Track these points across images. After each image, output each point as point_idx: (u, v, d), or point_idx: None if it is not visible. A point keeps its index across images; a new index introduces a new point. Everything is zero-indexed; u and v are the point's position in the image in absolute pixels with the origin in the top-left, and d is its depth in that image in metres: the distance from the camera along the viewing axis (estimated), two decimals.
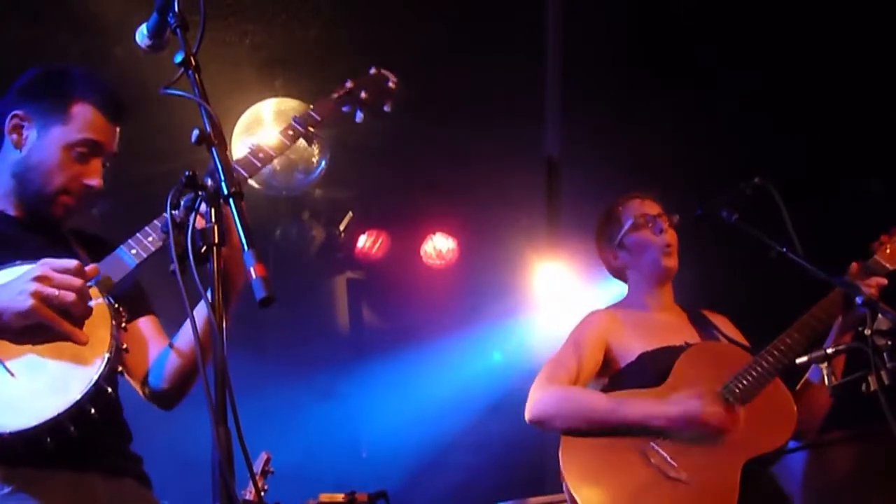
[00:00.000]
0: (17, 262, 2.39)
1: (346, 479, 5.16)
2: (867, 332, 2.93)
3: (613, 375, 3.41)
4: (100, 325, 2.33)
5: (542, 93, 5.59)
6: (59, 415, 2.21)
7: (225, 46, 4.96)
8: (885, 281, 3.28)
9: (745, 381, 3.20)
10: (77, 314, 2.30)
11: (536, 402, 3.32)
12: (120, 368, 2.39)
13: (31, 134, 2.57)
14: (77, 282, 2.28)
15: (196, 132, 2.01)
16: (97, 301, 2.35)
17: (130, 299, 2.58)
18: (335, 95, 2.87)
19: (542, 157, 5.92)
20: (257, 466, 4.71)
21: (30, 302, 2.24)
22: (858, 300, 3.04)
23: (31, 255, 2.40)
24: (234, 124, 5.41)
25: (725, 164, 5.02)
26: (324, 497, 4.74)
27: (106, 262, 2.44)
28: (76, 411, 2.23)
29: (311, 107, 2.79)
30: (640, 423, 3.16)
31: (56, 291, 2.25)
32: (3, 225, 2.58)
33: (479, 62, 5.22)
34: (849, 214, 5.08)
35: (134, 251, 2.45)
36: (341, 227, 6.27)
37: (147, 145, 4.93)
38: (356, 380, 6.25)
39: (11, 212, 2.62)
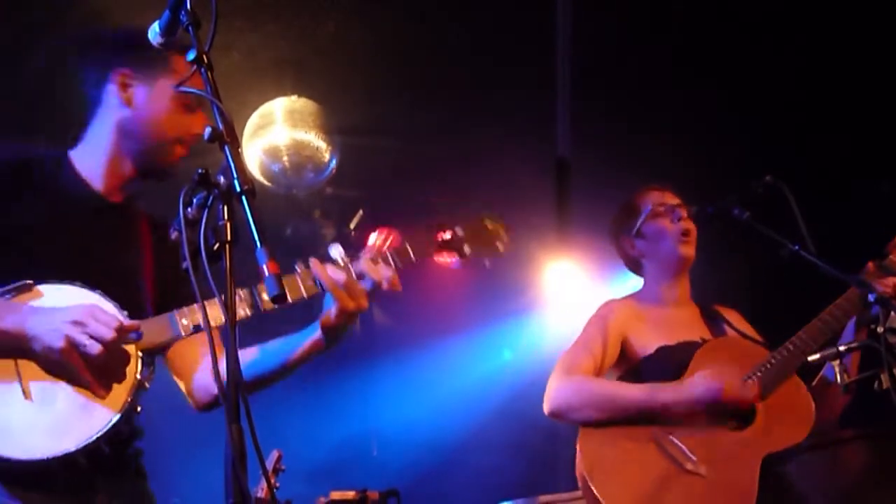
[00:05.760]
0: (78, 283, 2.41)
1: (358, 477, 5.17)
2: (880, 329, 2.93)
3: (630, 368, 3.40)
4: (123, 383, 2.34)
5: (553, 93, 5.59)
6: (46, 458, 2.25)
7: (237, 45, 4.97)
8: None
9: (763, 377, 3.20)
10: (100, 364, 2.30)
11: (558, 393, 3.29)
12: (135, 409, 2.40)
13: (138, 90, 2.59)
14: (108, 335, 2.28)
15: (209, 130, 2.02)
16: (129, 358, 2.36)
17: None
18: (439, 239, 2.71)
19: (552, 157, 5.91)
20: (269, 464, 4.72)
21: (60, 343, 2.27)
22: (871, 297, 3.03)
23: (97, 256, 2.46)
24: (246, 123, 5.42)
25: (736, 164, 5.01)
26: (335, 495, 4.74)
27: (154, 322, 2.44)
28: (65, 459, 2.27)
29: (409, 244, 2.65)
30: (664, 410, 3.16)
31: (86, 341, 2.26)
32: (84, 208, 2.57)
33: (491, 62, 5.23)
34: (859, 215, 5.07)
35: (185, 321, 2.44)
36: (352, 226, 6.26)
37: None
38: (367, 378, 6.25)
39: (99, 185, 2.62)
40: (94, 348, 2.27)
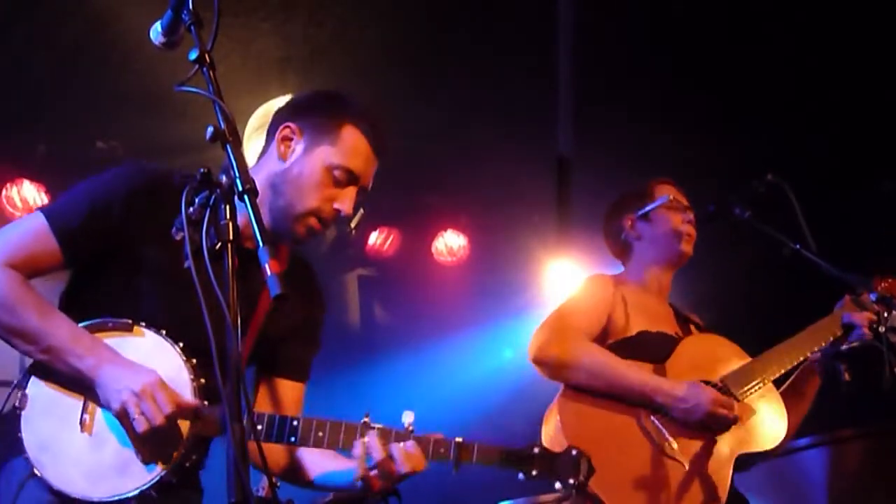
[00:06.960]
0: (166, 336, 2.41)
1: None
2: (881, 329, 2.94)
3: (611, 345, 3.38)
4: (164, 458, 2.34)
5: (554, 91, 5.59)
6: (73, 496, 2.31)
7: (238, 44, 4.97)
8: (874, 318, 3.26)
9: (742, 379, 3.23)
10: (146, 438, 2.32)
11: (555, 347, 3.27)
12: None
13: (298, 147, 2.58)
14: (157, 420, 2.28)
15: (210, 129, 2.02)
16: (181, 436, 2.35)
17: (291, 361, 2.71)
18: (516, 449, 2.75)
19: (553, 156, 5.91)
20: None
21: (115, 406, 2.31)
22: (872, 297, 3.05)
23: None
24: (247, 122, 5.42)
25: (737, 164, 5.01)
26: (336, 494, 4.73)
27: (217, 410, 2.40)
28: None
29: (476, 448, 2.72)
30: (651, 395, 3.17)
31: (135, 415, 2.28)
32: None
33: (491, 60, 5.23)
34: (859, 215, 5.08)
35: None
36: (353, 224, 6.27)
37: (162, 141, 4.96)
38: (367, 376, 6.25)
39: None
40: (141, 425, 2.29)
